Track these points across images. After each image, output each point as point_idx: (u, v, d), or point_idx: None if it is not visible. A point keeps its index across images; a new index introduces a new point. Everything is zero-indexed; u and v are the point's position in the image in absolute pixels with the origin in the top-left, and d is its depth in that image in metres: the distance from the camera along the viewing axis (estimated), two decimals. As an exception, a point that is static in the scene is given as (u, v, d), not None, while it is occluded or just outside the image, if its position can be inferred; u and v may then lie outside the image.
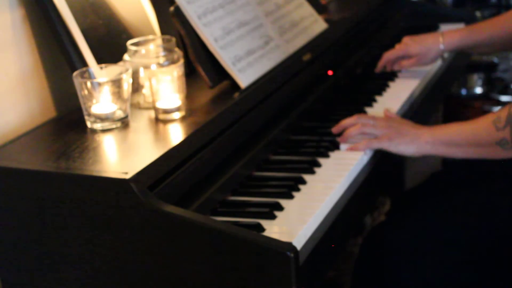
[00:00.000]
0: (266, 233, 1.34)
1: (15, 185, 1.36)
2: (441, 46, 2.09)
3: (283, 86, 1.76)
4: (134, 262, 1.30)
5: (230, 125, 1.54)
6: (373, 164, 1.69)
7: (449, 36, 2.09)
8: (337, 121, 1.84)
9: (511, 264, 1.62)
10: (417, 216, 1.70)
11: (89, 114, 1.48)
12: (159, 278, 1.29)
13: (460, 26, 2.54)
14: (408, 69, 2.16)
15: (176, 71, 1.50)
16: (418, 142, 1.65)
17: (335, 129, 1.74)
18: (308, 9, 2.02)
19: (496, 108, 2.90)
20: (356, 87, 2.05)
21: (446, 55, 2.21)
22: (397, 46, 2.15)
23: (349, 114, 1.87)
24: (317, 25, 2.01)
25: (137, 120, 1.53)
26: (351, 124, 1.71)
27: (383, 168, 1.77)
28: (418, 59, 2.12)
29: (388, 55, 2.15)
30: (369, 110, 1.90)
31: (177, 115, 1.51)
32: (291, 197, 1.48)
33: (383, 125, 1.69)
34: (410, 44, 2.12)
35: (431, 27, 2.54)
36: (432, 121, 2.73)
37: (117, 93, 1.47)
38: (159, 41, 1.65)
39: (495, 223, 1.65)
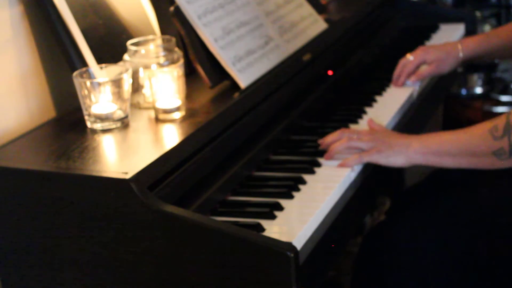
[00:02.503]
0: (266, 233, 1.34)
1: (15, 185, 1.36)
2: (460, 54, 2.02)
3: (283, 86, 1.76)
4: (134, 262, 1.30)
5: (230, 125, 1.54)
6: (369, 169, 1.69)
7: (467, 42, 2.04)
8: (337, 121, 1.84)
9: (511, 264, 1.62)
10: (417, 216, 1.70)
11: (89, 114, 1.48)
12: (159, 278, 1.29)
13: (460, 26, 2.54)
14: (426, 78, 2.06)
15: (176, 71, 1.50)
16: (407, 153, 1.59)
17: (323, 145, 1.67)
18: (308, 9, 2.02)
19: (496, 108, 2.90)
20: (356, 87, 2.05)
21: (459, 69, 2.17)
22: (413, 55, 2.03)
23: (349, 114, 1.87)
24: (317, 25, 2.01)
25: (137, 120, 1.53)
26: (336, 139, 1.64)
27: (383, 168, 1.77)
28: (436, 65, 2.02)
29: (407, 67, 2.03)
30: (369, 110, 1.90)
31: (177, 115, 1.51)
32: (291, 197, 1.48)
33: (368, 138, 1.63)
34: (427, 51, 2.04)
35: (431, 27, 2.54)
36: (432, 121, 2.73)
37: (117, 93, 1.47)
38: (159, 41, 1.65)
39: (495, 223, 1.65)
